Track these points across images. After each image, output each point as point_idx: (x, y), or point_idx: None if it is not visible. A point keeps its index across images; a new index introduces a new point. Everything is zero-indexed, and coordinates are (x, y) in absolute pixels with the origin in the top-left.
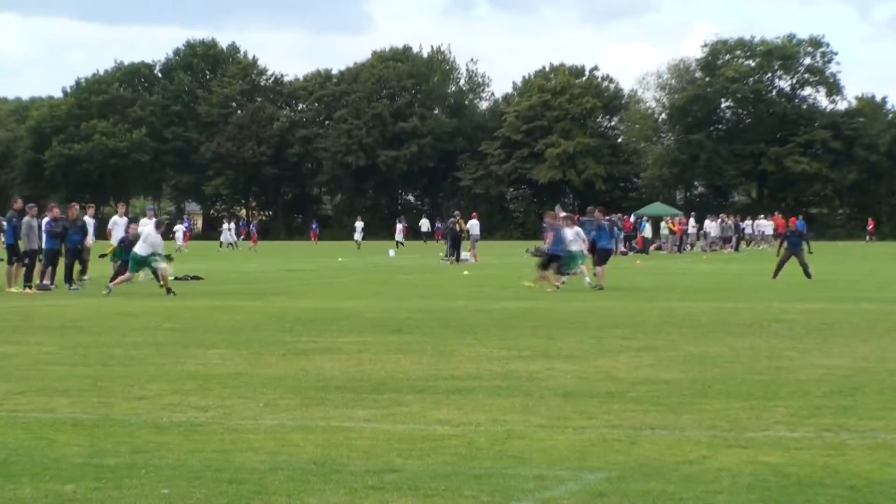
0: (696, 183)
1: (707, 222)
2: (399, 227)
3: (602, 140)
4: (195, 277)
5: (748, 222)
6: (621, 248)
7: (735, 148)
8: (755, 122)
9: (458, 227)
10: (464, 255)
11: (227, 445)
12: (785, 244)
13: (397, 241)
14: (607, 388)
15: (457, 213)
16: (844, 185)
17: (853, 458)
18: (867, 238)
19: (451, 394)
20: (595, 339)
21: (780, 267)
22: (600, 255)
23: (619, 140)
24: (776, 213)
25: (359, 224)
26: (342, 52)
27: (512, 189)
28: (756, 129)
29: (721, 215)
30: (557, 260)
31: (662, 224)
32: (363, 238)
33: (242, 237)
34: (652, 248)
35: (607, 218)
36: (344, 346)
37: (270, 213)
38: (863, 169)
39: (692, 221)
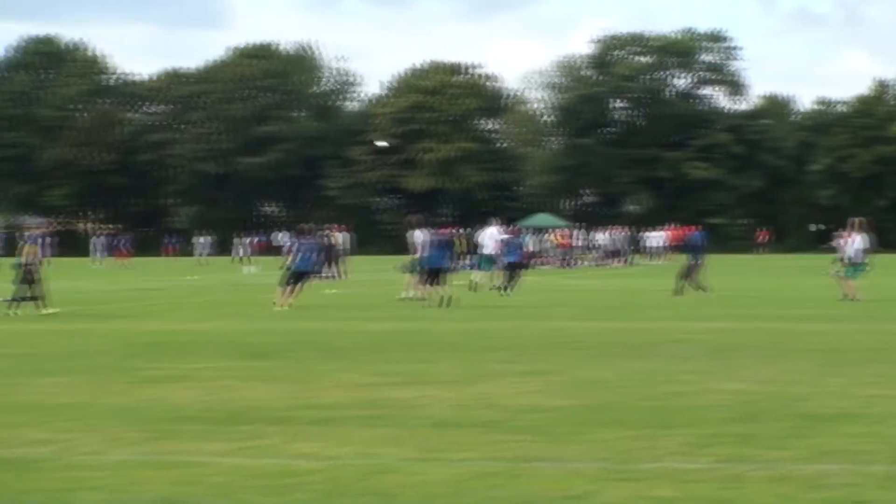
0: (585, 191)
1: (597, 234)
2: (244, 241)
3: (482, 144)
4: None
5: (646, 233)
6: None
7: (628, 153)
8: (650, 124)
9: (331, 241)
10: (327, 271)
11: (67, 484)
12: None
13: (240, 257)
14: (487, 417)
15: (332, 225)
16: (746, 193)
17: (753, 491)
18: (759, 250)
19: (315, 424)
20: (474, 363)
21: (682, 282)
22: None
23: (502, 144)
24: (671, 224)
25: (203, 240)
26: (197, 48)
27: (383, 198)
28: (651, 132)
29: (612, 227)
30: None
31: (545, 237)
32: (210, 254)
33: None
34: (536, 262)
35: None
36: (196, 373)
37: (120, 226)
38: (767, 175)
39: (580, 233)
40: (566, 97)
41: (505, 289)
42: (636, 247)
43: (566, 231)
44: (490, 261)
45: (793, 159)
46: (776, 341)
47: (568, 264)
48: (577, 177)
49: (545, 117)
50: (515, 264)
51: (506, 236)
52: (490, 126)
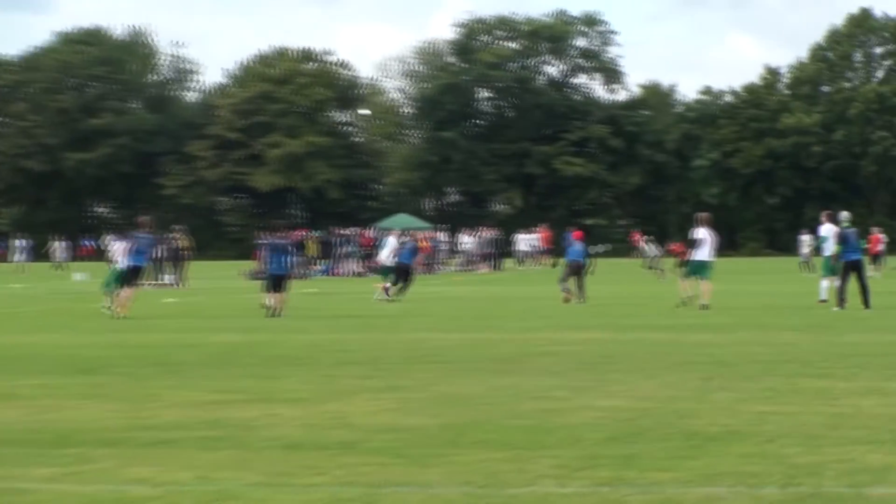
0: (449, 189)
1: (462, 237)
2: (62, 244)
3: (336, 139)
4: None
5: (517, 236)
6: (355, 267)
7: (495, 147)
8: (519, 116)
9: (178, 245)
10: (166, 278)
11: None
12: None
13: (58, 262)
14: (340, 438)
15: (179, 227)
16: (625, 191)
17: None
18: (635, 253)
19: (151, 447)
20: (326, 379)
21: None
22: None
23: (357, 139)
24: (542, 226)
25: (21, 243)
26: (19, 34)
27: (226, 198)
28: (520, 125)
29: (479, 228)
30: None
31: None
32: (28, 259)
33: None
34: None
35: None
36: (20, 391)
37: None
38: (647, 171)
39: (443, 236)
40: (427, 87)
41: (387, 291)
42: (505, 250)
43: (428, 234)
44: (388, 272)
45: (675, 154)
46: (657, 353)
47: (430, 270)
48: (439, 174)
49: (404, 109)
50: (406, 267)
51: (403, 239)
52: (344, 118)
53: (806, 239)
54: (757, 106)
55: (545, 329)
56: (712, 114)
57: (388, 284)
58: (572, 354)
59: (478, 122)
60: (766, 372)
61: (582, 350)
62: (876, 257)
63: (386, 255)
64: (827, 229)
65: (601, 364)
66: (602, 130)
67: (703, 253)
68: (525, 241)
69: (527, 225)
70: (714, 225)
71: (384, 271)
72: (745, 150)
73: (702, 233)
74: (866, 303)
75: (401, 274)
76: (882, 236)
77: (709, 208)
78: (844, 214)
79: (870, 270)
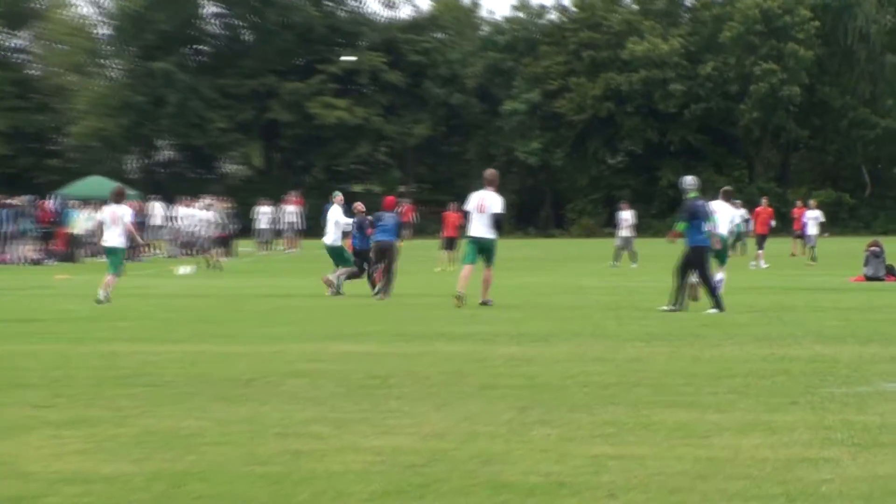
0: (161, 143)
1: (179, 209)
2: None
3: (4, 73)
4: None
5: (258, 208)
6: (28, 252)
7: (226, 84)
8: (261, 40)
9: None
10: None
11: None
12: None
13: None
14: (8, 493)
15: None
16: (409, 145)
17: None
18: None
19: None
20: None
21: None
22: None
23: (31, 72)
24: (292, 193)
25: None
26: None
27: None
28: (262, 53)
29: (206, 198)
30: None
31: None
32: None
33: None
34: (82, 251)
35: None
36: None
37: None
38: (440, 117)
39: (156, 208)
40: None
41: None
42: (242, 228)
43: (135, 204)
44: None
45: (479, 94)
46: (453, 372)
47: (136, 254)
48: (148, 121)
49: (98, 29)
50: (364, 253)
51: (350, 219)
52: (13, 43)
53: (627, 217)
54: (593, 27)
55: (297, 339)
56: (530, 39)
57: (339, 273)
58: (335, 374)
59: (202, 47)
60: (604, 399)
61: (349, 368)
62: (762, 238)
63: (333, 233)
64: (720, 206)
65: (376, 388)
66: (376, 59)
67: (480, 229)
68: (266, 215)
69: (271, 192)
70: (498, 186)
71: (336, 255)
72: (577, 90)
73: (477, 200)
74: (717, 305)
75: (365, 258)
76: (815, 210)
77: (528, 170)
78: (688, 180)
79: (754, 258)
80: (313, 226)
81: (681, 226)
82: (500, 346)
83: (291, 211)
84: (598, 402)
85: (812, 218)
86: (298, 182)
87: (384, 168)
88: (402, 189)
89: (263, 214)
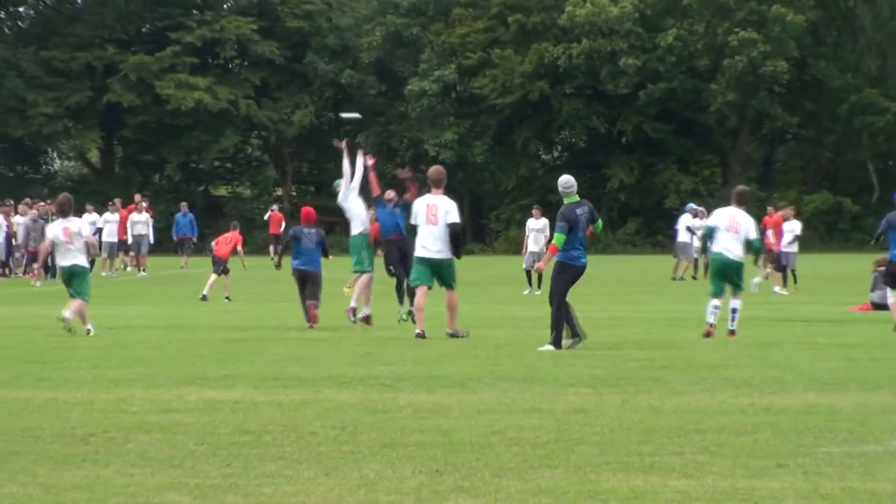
0: None
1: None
2: None
3: None
4: None
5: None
6: None
7: (53, 57)
8: (95, 2)
9: None
10: None
11: None
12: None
13: None
14: None
15: None
16: (286, 137)
17: None
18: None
19: None
20: None
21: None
22: None
23: None
24: (139, 198)
25: None
26: None
27: None
28: (99, 18)
29: (34, 203)
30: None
31: None
32: None
33: None
34: None
35: None
36: None
37: None
38: (324, 101)
39: None
40: None
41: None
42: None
43: None
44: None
45: (376, 71)
46: (341, 425)
47: None
48: None
49: None
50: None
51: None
52: None
53: (539, 227)
54: None
55: (145, 383)
56: (441, 0)
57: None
58: (195, 428)
59: (20, 10)
60: (539, 461)
61: (213, 421)
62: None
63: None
64: (734, 214)
65: (247, 446)
66: (245, 26)
67: (432, 245)
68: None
69: (112, 195)
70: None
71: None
72: (502, 66)
73: (424, 208)
74: (574, 332)
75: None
76: (792, 220)
77: (444, 166)
78: (564, 180)
79: (764, 275)
80: (163, 239)
81: (560, 238)
82: (404, 394)
83: (139, 220)
84: (532, 465)
85: (789, 231)
86: (146, 182)
87: (256, 166)
88: (278, 193)
89: (91, 225)
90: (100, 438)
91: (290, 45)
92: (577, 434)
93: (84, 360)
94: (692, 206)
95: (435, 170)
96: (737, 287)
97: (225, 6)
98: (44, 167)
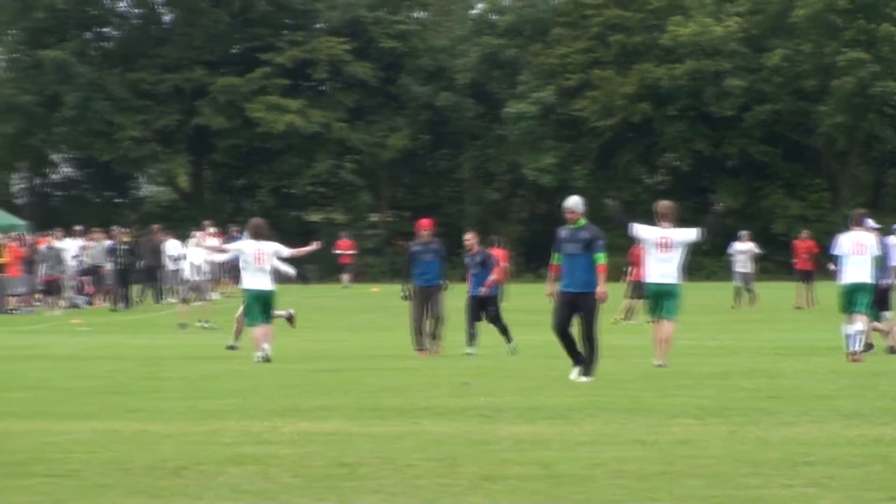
0: (55, 157)
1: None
2: None
3: None
4: None
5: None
6: None
7: (141, 79)
8: (184, 23)
9: None
10: None
11: None
12: None
13: None
14: None
15: None
16: (382, 160)
17: None
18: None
19: None
20: None
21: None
22: None
23: None
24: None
25: None
26: None
27: None
28: (188, 39)
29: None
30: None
31: None
32: None
33: None
34: None
35: None
36: None
37: None
38: (421, 123)
39: (59, 243)
40: None
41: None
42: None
43: (24, 238)
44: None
45: (473, 93)
46: (439, 458)
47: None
48: (38, 128)
49: None
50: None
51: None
52: None
53: (746, 249)
54: (623, 4)
55: (238, 415)
56: (540, 19)
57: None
58: (290, 461)
59: (108, 31)
60: (643, 494)
61: (307, 453)
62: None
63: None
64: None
65: (343, 479)
66: (337, 47)
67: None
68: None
69: (198, 221)
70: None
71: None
72: (603, 87)
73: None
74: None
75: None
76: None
77: (539, 192)
78: (575, 201)
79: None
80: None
81: (601, 257)
82: (504, 425)
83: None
84: (636, 498)
85: (743, 251)
86: (238, 209)
87: (350, 191)
88: (373, 218)
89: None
90: (192, 471)
91: (384, 66)
92: (681, 466)
93: (175, 392)
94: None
95: (663, 204)
96: (863, 310)
97: (317, 26)
98: (132, 192)
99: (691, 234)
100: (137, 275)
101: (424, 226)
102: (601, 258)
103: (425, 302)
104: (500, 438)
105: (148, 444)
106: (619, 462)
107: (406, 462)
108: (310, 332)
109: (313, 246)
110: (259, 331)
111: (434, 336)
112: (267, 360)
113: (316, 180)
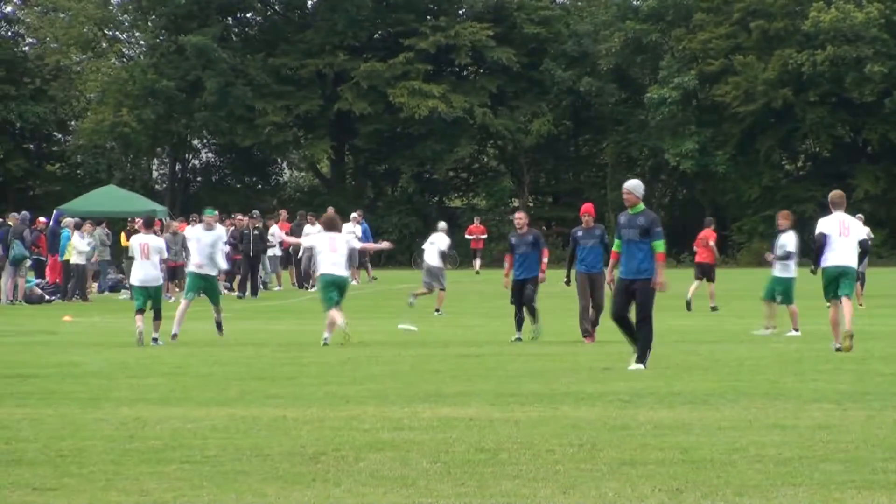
0: (196, 143)
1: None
2: None
3: None
4: None
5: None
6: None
7: (282, 64)
8: (327, 8)
9: None
10: None
11: None
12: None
13: None
14: None
15: None
16: (524, 145)
17: None
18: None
19: None
20: None
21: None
22: None
23: (21, 49)
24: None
25: None
26: None
27: None
28: (330, 24)
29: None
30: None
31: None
32: None
33: None
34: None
35: None
36: None
37: None
38: (563, 108)
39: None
40: None
41: None
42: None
43: (162, 223)
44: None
45: (615, 78)
46: (579, 443)
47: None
48: (179, 113)
49: None
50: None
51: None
52: None
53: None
54: None
55: (377, 400)
56: (682, 4)
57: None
58: (429, 446)
59: (249, 16)
60: (782, 479)
61: (447, 439)
62: None
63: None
64: None
65: (483, 464)
66: (480, 32)
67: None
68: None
69: (344, 207)
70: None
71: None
72: (744, 73)
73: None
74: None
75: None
76: None
77: (680, 177)
78: (634, 184)
79: None
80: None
81: (660, 245)
82: (644, 410)
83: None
84: (774, 483)
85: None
86: (379, 194)
87: (492, 176)
88: (514, 204)
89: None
90: (330, 457)
91: (527, 51)
92: (821, 451)
93: (314, 377)
94: None
95: (836, 193)
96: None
97: (460, 12)
98: (273, 178)
99: (862, 232)
100: (273, 260)
101: (588, 211)
102: (660, 246)
103: (589, 288)
104: (639, 423)
105: (286, 430)
106: (758, 447)
107: (546, 447)
108: (449, 318)
109: (384, 244)
110: (334, 314)
111: (594, 323)
112: (348, 337)
113: (458, 166)
